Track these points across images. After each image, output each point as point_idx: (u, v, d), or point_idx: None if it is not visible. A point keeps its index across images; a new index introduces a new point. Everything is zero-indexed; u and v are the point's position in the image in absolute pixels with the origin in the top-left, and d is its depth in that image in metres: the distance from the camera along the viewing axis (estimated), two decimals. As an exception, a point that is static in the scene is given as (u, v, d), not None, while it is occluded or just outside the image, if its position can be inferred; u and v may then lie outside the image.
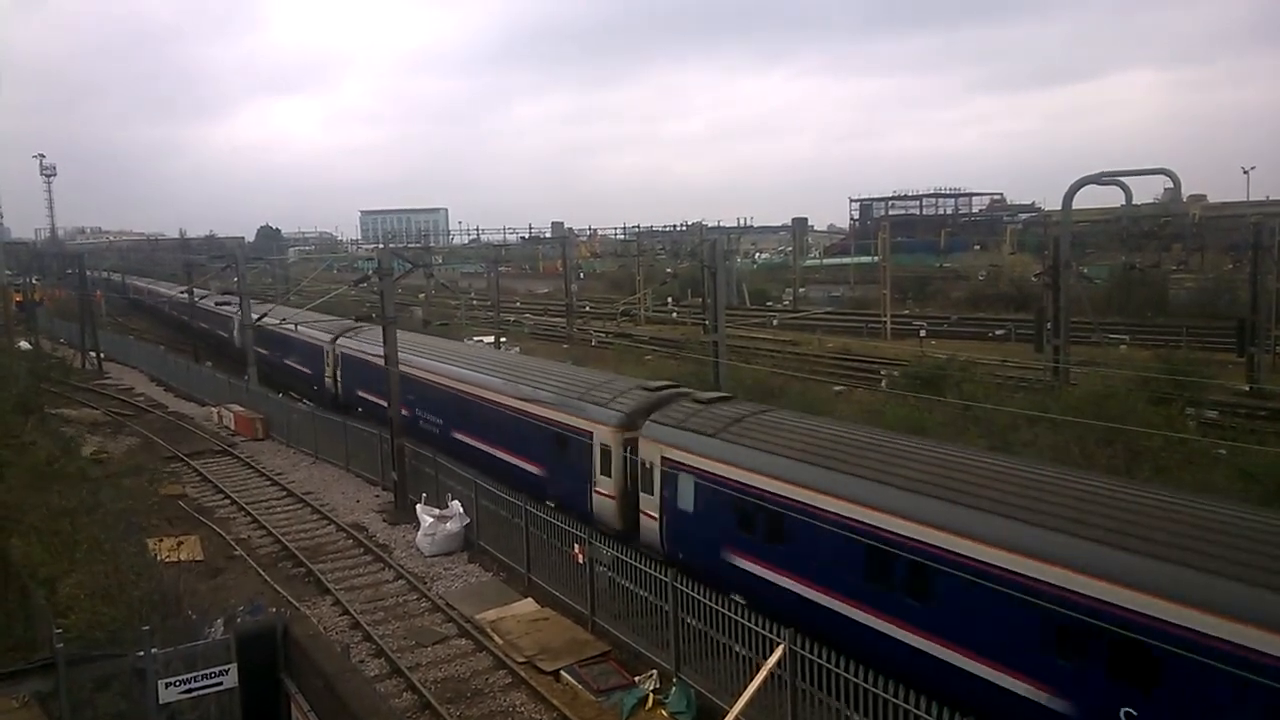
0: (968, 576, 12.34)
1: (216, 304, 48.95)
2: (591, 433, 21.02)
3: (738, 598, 15.18)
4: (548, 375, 25.21)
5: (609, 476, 20.37)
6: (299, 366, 42.28)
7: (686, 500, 17.96)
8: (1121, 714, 10.72)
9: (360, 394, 34.77)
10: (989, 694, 12.04)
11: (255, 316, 39.85)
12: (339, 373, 37.47)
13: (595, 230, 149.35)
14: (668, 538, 18.63)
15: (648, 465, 19.04)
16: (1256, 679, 9.51)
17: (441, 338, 34.44)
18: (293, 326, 37.90)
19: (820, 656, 12.50)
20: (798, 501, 15.26)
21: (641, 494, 19.35)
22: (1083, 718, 11.17)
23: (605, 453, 20.47)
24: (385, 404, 27.55)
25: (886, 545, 13.58)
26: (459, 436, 27.14)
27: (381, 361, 27.10)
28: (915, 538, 13.14)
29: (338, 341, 37.71)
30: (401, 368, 26.95)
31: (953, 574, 12.57)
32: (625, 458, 19.93)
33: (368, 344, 33.44)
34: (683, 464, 18.02)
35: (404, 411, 27.12)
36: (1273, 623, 9.54)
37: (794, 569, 15.34)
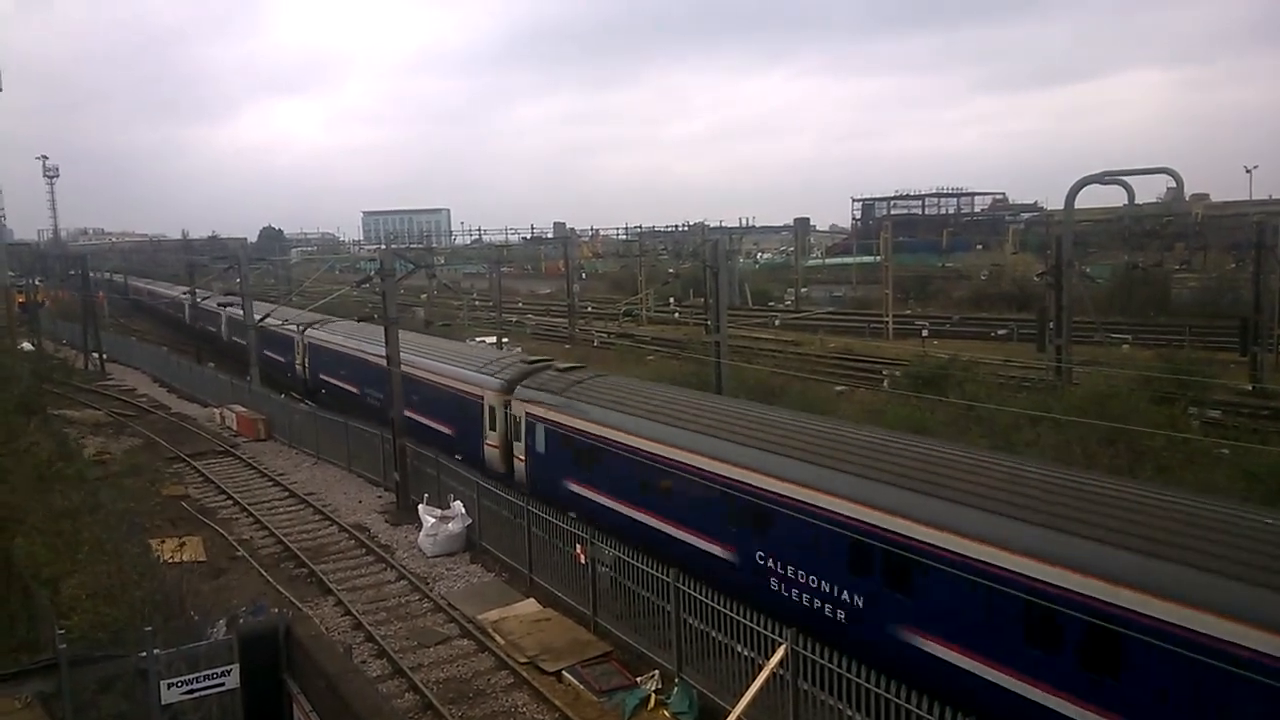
0: (684, 476, 18.17)
1: (202, 299, 57.08)
2: (483, 396, 25.89)
3: (573, 514, 20.17)
4: (455, 352, 31.13)
5: (494, 431, 25.44)
6: (275, 355, 45.90)
7: (540, 444, 23.26)
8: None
9: (323, 377, 40.36)
10: (690, 552, 17.70)
11: (224, 311, 46.20)
12: (306, 359, 42.39)
13: (597, 231, 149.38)
14: (529, 475, 23.68)
15: (517, 420, 24.12)
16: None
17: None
18: (278, 321, 42.65)
19: (822, 657, 12.50)
20: (606, 439, 20.53)
21: (514, 443, 24.44)
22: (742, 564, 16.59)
23: (491, 412, 25.46)
24: (345, 386, 35.69)
25: (648, 464, 19.08)
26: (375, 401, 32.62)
27: (343, 348, 34.70)
28: (660, 454, 18.79)
29: (306, 332, 42.28)
30: (353, 351, 34.35)
31: (676, 475, 18.43)
32: (505, 415, 24.77)
33: (330, 334, 40.02)
34: (539, 417, 23.24)
35: (344, 385, 35.29)
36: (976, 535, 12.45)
37: (604, 490, 20.64)
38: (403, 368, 27.05)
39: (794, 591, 15.41)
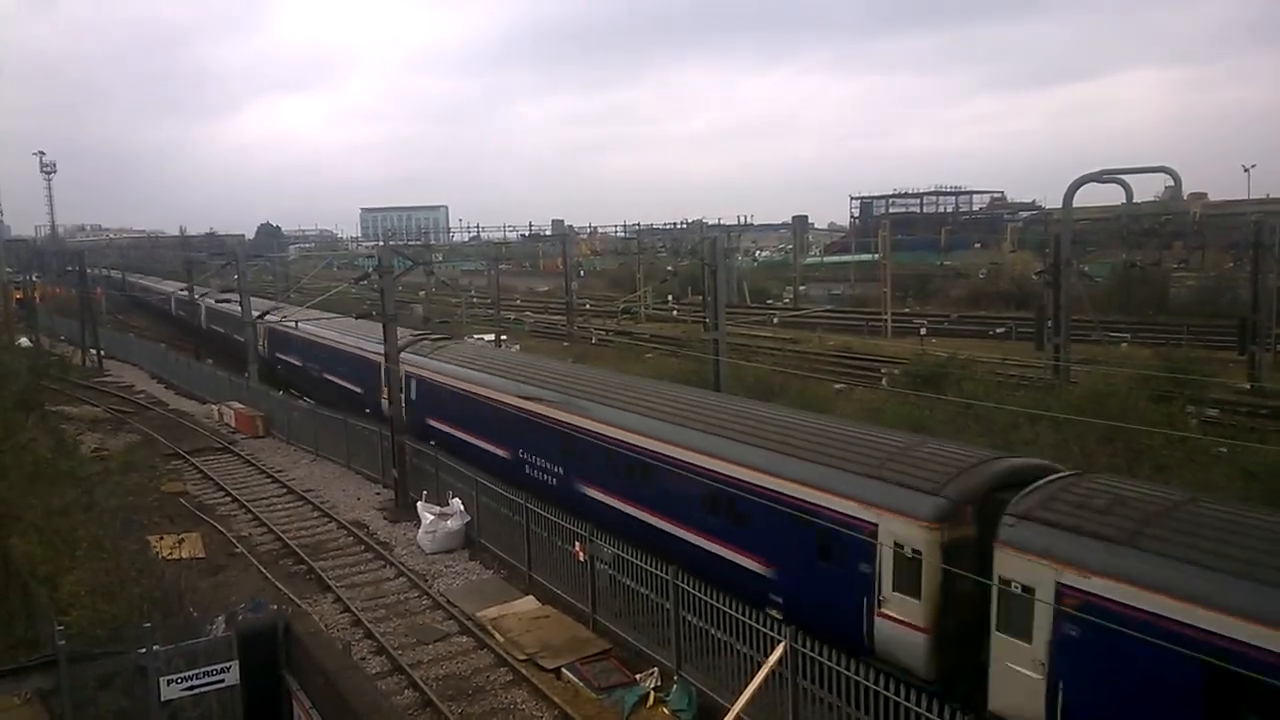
0: (482, 404, 26.21)
1: (181, 288, 63.74)
2: (377, 363, 31.00)
3: (433, 441, 27.23)
4: (370, 332, 33.97)
5: (387, 388, 29.29)
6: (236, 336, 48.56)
7: (413, 394, 29.74)
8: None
9: (278, 355, 46.09)
10: (482, 453, 25.74)
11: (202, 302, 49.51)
12: (265, 343, 46.46)
13: (595, 228, 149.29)
14: (406, 418, 27.56)
15: (403, 378, 28.66)
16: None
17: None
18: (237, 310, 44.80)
19: (822, 655, 12.52)
20: (449, 383, 28.46)
21: (402, 395, 28.24)
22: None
23: (388, 374, 28.66)
24: (297, 363, 42.17)
25: (474, 399, 26.51)
26: (328, 377, 39.21)
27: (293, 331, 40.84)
28: (463, 388, 27.07)
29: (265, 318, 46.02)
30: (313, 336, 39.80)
31: (476, 403, 26.40)
32: (400, 378, 28.33)
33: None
34: (411, 373, 29.75)
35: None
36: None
37: (449, 421, 28.15)
38: (331, 341, 36.08)
39: (537, 473, 23.23)
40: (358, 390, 35.35)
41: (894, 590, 13.50)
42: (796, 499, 15.07)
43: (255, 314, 42.50)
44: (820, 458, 15.44)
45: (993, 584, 12.15)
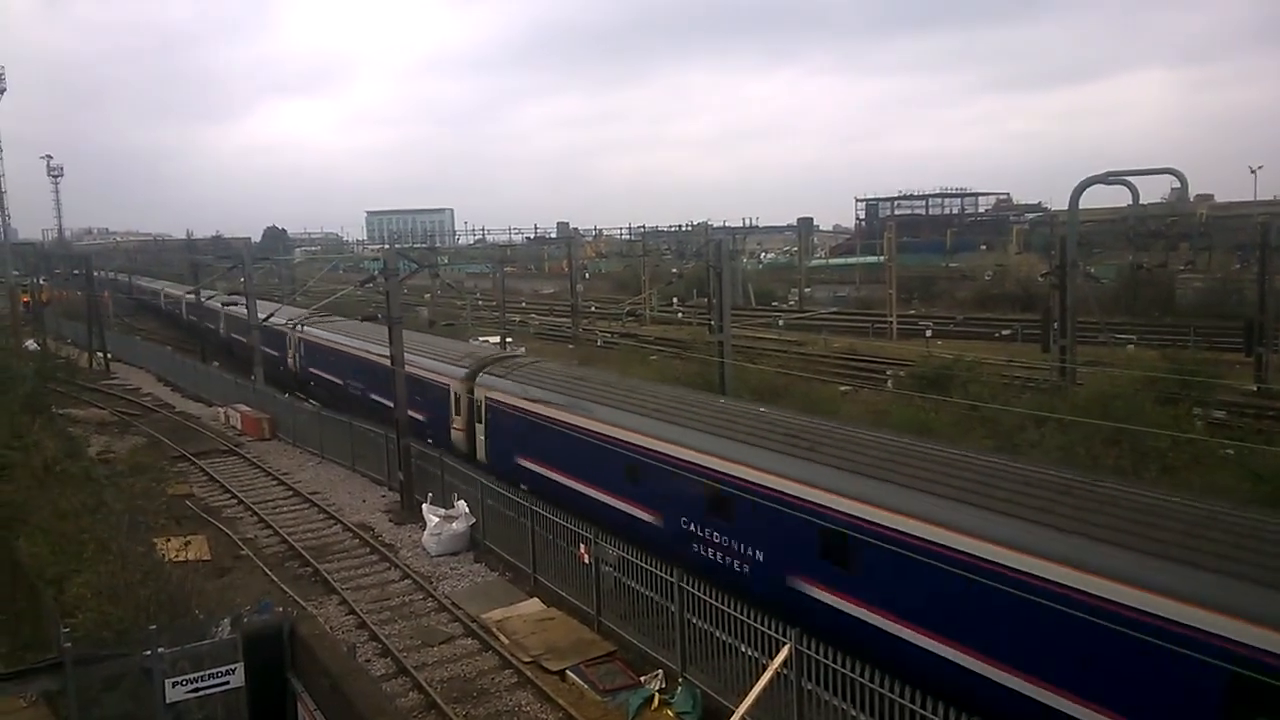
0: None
1: (188, 292, 63.80)
2: (446, 386, 30.51)
3: (524, 485, 23.70)
4: (431, 347, 32.82)
5: (459, 415, 30.41)
6: (268, 349, 45.49)
7: (492, 425, 26.80)
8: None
9: (311, 370, 43.39)
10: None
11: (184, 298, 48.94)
12: (297, 356, 44.09)
13: (600, 230, 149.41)
14: (488, 457, 26.49)
15: (481, 405, 28.52)
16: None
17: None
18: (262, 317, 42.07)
19: (826, 657, 12.50)
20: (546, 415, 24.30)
21: (482, 426, 27.78)
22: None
23: (452, 394, 29.51)
24: (335, 380, 38.77)
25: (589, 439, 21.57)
26: (375, 398, 34.38)
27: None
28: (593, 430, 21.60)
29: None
30: (324, 343, 39.30)
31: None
32: (477, 404, 29.03)
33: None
34: (491, 400, 28.01)
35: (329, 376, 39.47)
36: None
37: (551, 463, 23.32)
38: (379, 356, 31.62)
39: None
40: (420, 419, 29.13)
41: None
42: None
43: (285, 321, 41.27)
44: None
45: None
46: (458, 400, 27.68)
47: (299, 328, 40.54)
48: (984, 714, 11.38)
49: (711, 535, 17.02)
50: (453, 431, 28.07)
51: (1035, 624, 11.44)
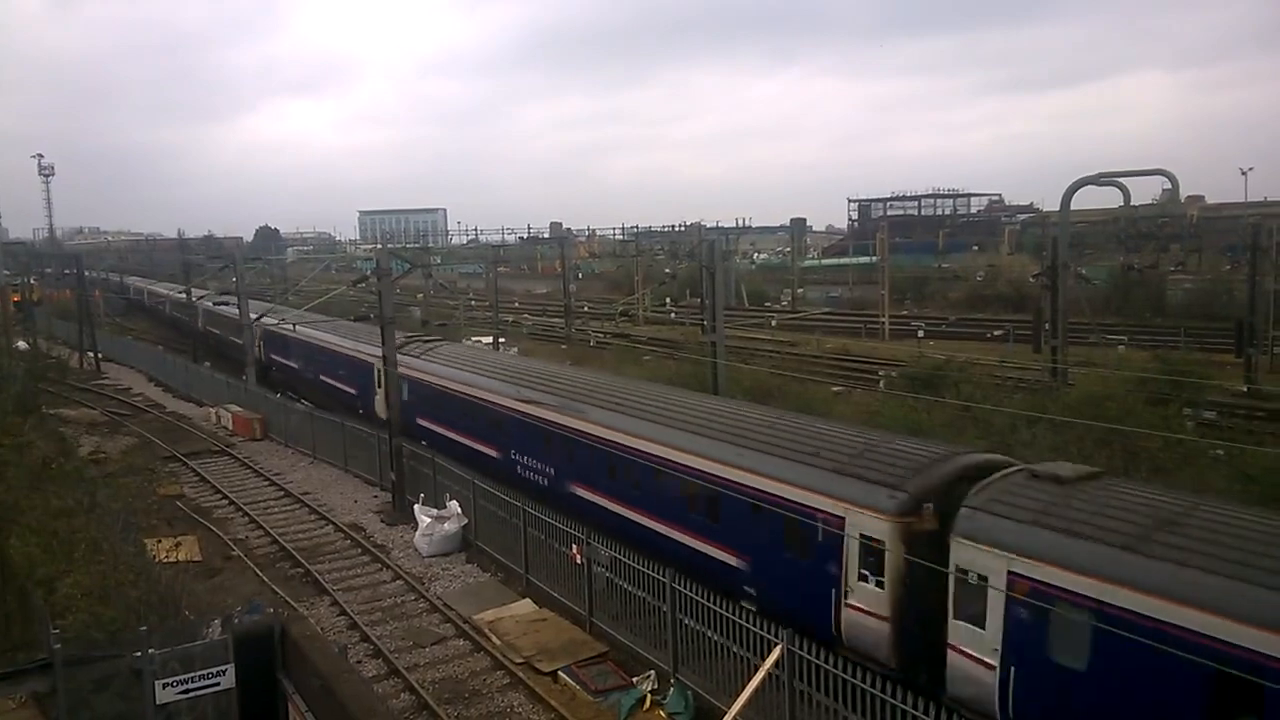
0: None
1: (179, 291, 65.03)
2: (371, 364, 33.20)
3: (424, 441, 27.79)
4: (363, 334, 35.32)
5: (381, 389, 31.78)
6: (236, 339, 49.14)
7: (405, 395, 28.41)
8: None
9: (272, 356, 46.48)
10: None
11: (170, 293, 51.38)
12: (261, 345, 46.08)
13: (594, 231, 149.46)
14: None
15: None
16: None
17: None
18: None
19: (818, 658, 12.51)
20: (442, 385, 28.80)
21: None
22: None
23: (386, 376, 29.68)
24: (292, 365, 43.12)
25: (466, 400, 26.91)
26: (323, 379, 39.55)
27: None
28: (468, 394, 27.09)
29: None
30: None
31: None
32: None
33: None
34: (404, 374, 28.98)
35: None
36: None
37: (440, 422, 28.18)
38: (325, 344, 37.84)
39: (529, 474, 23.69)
40: (351, 392, 35.88)
41: (859, 580, 14.03)
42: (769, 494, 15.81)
43: (253, 316, 42.49)
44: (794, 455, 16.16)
45: (950, 572, 12.57)
46: (379, 375, 31.52)
47: (260, 319, 44.08)
48: (662, 555, 17.03)
49: (528, 461, 23.84)
50: (375, 400, 32.44)
51: (696, 498, 17.60)
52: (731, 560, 16.56)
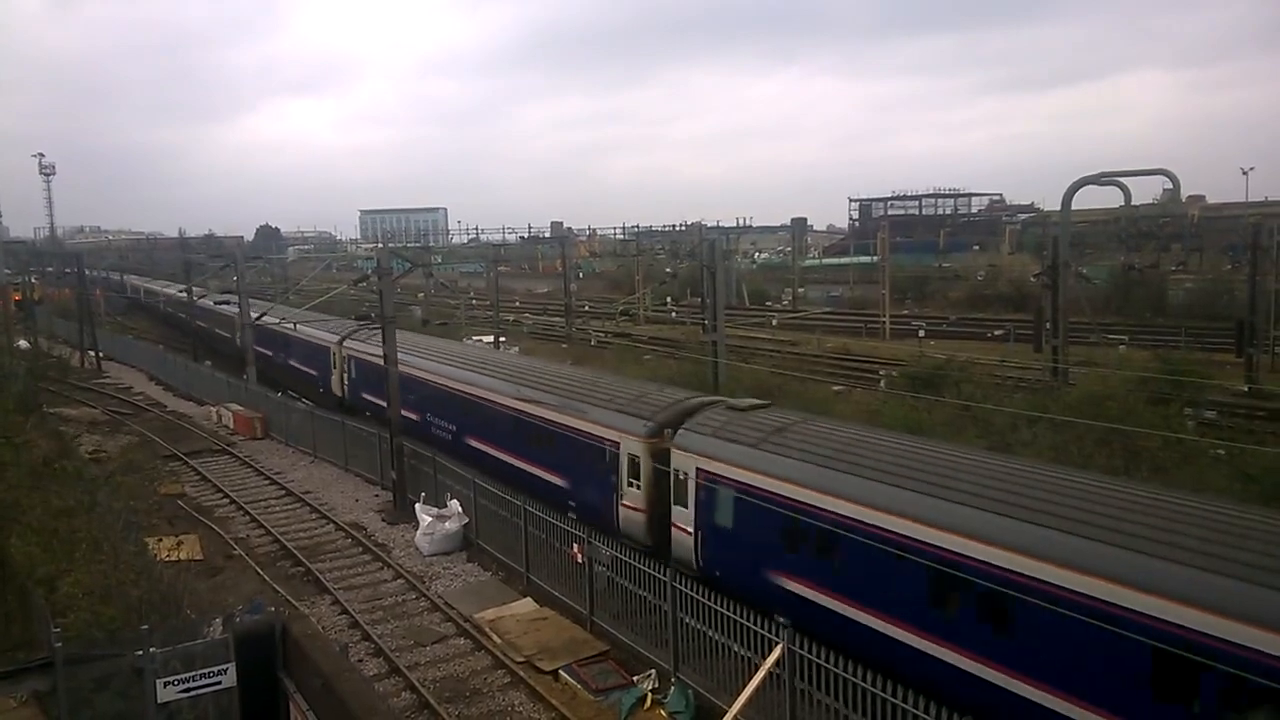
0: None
1: (179, 290, 65.82)
2: (326, 348, 39.43)
3: (368, 413, 31.00)
4: (321, 322, 42.01)
5: (337, 372, 38.25)
6: (221, 332, 55.94)
7: (353, 373, 35.11)
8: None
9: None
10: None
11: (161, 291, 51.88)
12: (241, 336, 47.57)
13: (594, 230, 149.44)
14: (348, 395, 33.99)
15: (346, 360, 36.95)
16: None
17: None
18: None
19: (819, 656, 12.52)
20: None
21: (345, 375, 37.02)
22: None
23: (354, 364, 36.52)
24: (268, 352, 45.25)
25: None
26: (291, 363, 44.27)
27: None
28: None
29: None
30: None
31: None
32: (344, 360, 36.91)
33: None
34: (350, 354, 35.37)
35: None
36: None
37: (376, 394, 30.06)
38: (290, 332, 41.50)
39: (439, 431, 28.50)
40: (313, 373, 40.82)
41: (628, 486, 19.73)
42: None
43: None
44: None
45: (671, 472, 18.33)
46: (333, 356, 37.29)
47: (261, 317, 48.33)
48: (520, 483, 21.71)
49: (439, 422, 28.58)
50: (331, 380, 37.89)
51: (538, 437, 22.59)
52: (559, 482, 21.97)
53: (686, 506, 17.83)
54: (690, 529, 17.74)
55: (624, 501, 19.67)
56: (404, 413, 27.07)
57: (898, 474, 14.40)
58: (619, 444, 19.81)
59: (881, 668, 12.03)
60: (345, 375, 36.87)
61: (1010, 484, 13.48)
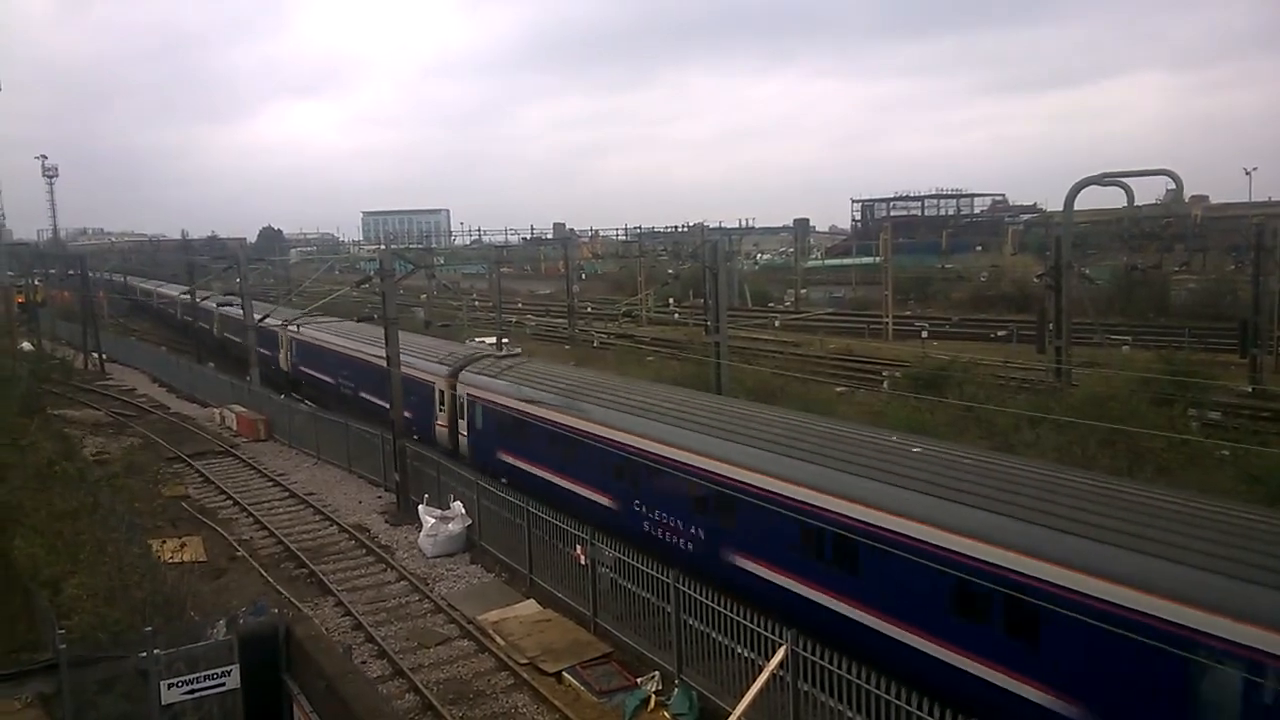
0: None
1: (183, 292, 66.76)
2: (431, 384, 36.18)
3: (504, 480, 26.89)
4: (419, 346, 39.33)
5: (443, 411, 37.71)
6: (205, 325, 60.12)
7: (479, 423, 29.17)
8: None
9: (302, 369, 47.56)
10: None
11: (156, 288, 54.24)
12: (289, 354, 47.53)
13: (597, 231, 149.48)
14: (469, 453, 30.14)
15: (464, 403, 34.45)
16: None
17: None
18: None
19: (822, 658, 12.51)
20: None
21: (464, 422, 35.16)
22: None
23: (440, 395, 35.40)
24: (327, 379, 42.37)
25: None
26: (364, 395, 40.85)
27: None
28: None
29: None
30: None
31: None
32: (460, 401, 35.32)
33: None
34: (475, 397, 30.47)
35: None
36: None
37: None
38: (369, 356, 36.94)
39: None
40: (406, 415, 28.86)
41: (439, 411, 29.54)
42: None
43: (278, 321, 42.54)
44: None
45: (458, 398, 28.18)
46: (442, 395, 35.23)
47: (220, 308, 52.99)
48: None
49: (356, 390, 36.58)
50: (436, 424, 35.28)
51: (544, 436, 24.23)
52: (407, 414, 27.74)
53: (463, 418, 28.22)
54: (466, 433, 28.01)
55: (437, 421, 29.56)
56: (346, 384, 34.09)
57: (566, 389, 24.04)
58: (433, 383, 29.87)
59: (555, 504, 20.43)
60: (465, 420, 28.52)
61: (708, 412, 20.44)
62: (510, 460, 25.33)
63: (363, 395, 35.42)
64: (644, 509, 19.60)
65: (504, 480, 23.65)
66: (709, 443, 18.07)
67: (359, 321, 35.30)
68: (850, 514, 14.46)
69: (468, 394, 27.87)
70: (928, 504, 13.61)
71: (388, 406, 27.70)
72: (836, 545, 14.78)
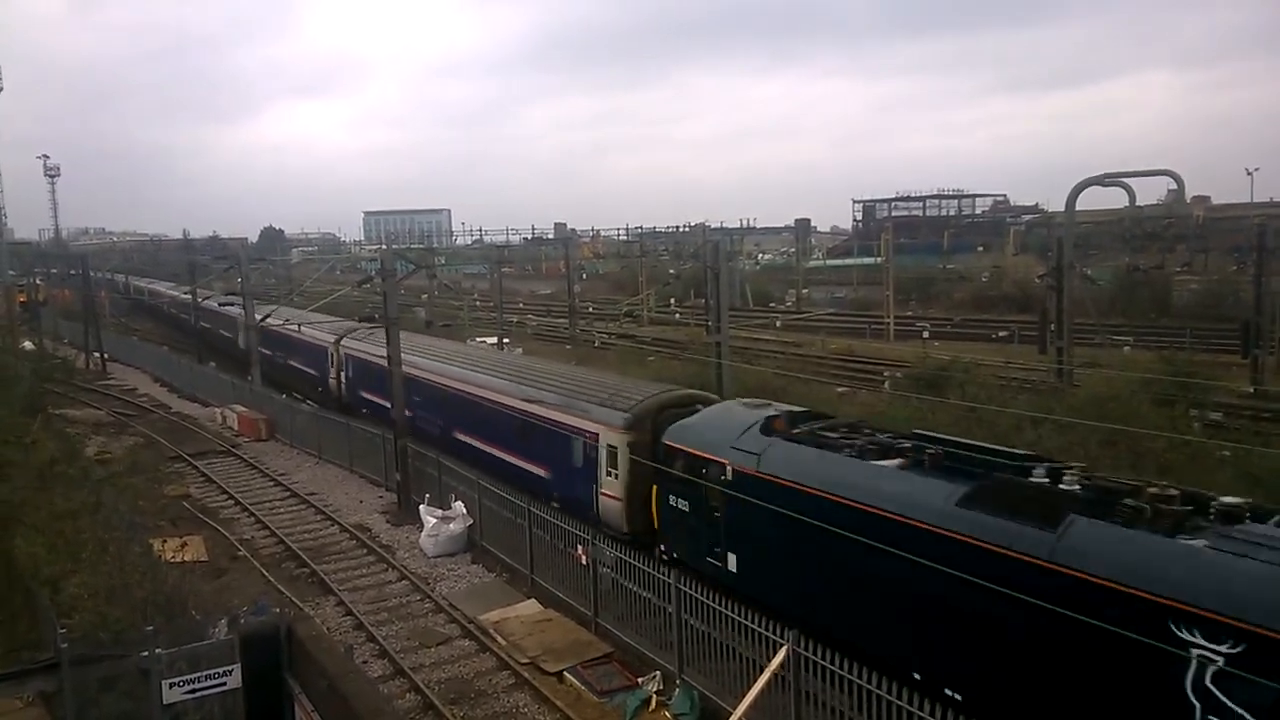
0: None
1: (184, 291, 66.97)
2: (324, 348, 41.30)
3: (364, 410, 34.57)
4: (321, 322, 43.11)
5: (337, 374, 40.60)
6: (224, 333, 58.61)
7: (350, 372, 36.76)
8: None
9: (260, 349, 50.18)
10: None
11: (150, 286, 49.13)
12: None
13: (598, 231, 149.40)
14: (346, 393, 36.89)
15: (343, 360, 39.01)
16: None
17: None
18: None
19: (824, 658, 12.50)
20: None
21: (343, 374, 39.74)
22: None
23: (355, 364, 38.73)
24: (269, 353, 45.37)
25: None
26: (291, 363, 46.01)
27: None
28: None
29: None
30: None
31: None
32: (342, 359, 39.92)
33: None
34: (349, 354, 37.89)
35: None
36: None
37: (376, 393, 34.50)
38: (293, 334, 41.78)
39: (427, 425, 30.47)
40: (314, 373, 42.03)
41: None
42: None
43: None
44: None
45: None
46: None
47: (219, 305, 52.41)
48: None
49: (286, 360, 42.20)
50: (329, 381, 39.97)
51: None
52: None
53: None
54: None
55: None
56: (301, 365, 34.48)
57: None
58: (325, 350, 37.84)
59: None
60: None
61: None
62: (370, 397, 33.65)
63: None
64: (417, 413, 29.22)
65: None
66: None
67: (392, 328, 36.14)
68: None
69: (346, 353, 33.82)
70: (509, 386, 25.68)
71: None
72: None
